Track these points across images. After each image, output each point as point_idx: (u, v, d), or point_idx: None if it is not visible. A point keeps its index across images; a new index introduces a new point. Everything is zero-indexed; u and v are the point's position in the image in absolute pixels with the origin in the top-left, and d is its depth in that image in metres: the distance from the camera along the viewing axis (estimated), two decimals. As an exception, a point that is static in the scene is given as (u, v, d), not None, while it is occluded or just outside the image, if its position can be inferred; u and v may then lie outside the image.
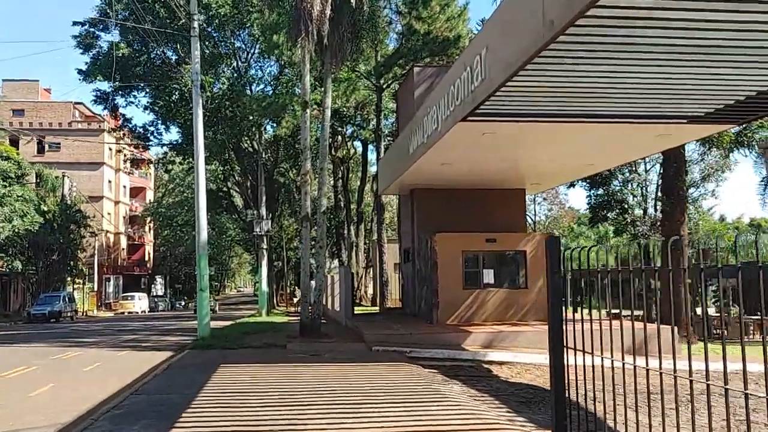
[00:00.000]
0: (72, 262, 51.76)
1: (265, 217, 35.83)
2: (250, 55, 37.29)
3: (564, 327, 4.82)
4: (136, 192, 77.37)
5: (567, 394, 4.75)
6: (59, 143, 59.97)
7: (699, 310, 22.60)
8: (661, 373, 4.33)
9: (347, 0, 17.61)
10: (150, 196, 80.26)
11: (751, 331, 22.93)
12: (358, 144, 45.74)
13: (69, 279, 53.08)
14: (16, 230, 41.19)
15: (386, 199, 39.61)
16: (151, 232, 79.62)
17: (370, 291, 44.11)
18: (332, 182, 46.14)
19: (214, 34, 35.36)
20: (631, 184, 39.56)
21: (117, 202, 69.76)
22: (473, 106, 11.15)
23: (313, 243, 18.89)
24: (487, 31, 10.65)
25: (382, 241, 31.04)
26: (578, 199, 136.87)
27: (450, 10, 26.98)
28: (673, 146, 15.48)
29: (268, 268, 40.31)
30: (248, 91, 34.95)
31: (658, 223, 38.92)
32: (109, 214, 66.01)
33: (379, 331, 16.78)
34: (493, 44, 10.14)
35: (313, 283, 19.09)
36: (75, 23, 35.28)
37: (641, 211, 41.03)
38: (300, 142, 20.51)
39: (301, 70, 18.62)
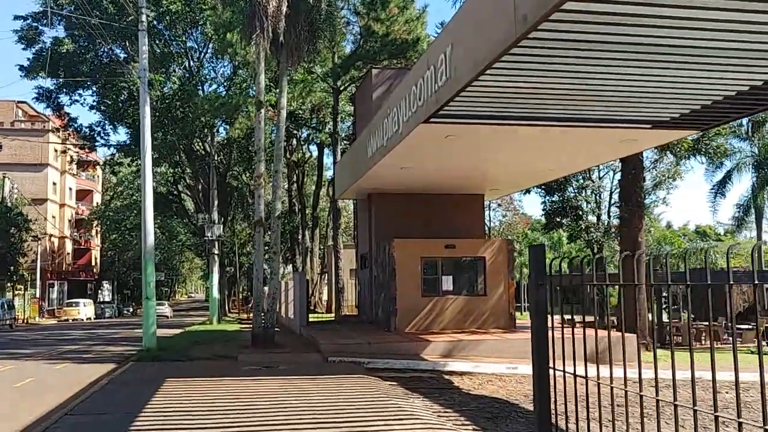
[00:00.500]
0: (12, 268, 49.42)
1: (216, 222, 34.70)
2: (202, 54, 36.17)
3: (550, 349, 4.31)
4: (83, 195, 74.69)
5: (554, 422, 4.24)
6: (0, 143, 57.31)
7: (662, 317, 22.65)
8: (626, 391, 3.92)
9: (305, -3, 17.00)
10: (98, 199, 77.63)
11: (703, 338, 23.14)
12: (313, 148, 45.03)
13: (9, 285, 50.65)
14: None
15: (342, 204, 38.94)
16: (98, 236, 76.97)
17: (325, 298, 43.35)
18: (287, 186, 45.26)
19: (165, 33, 34.14)
20: (586, 191, 39.86)
21: (62, 205, 67.17)
22: (437, 107, 10.67)
23: (266, 248, 18.18)
24: (452, 28, 10.18)
25: (338, 247, 30.41)
26: (532, 205, 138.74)
27: (409, 12, 26.60)
28: (635, 152, 15.35)
29: (220, 273, 39.13)
30: (200, 91, 33.82)
31: (613, 230, 39.41)
32: (53, 217, 63.46)
33: (335, 340, 16.18)
34: (460, 42, 9.69)
35: (266, 289, 18.34)
36: (16, 17, 33.48)
37: (595, 218, 41.42)
38: (254, 143, 19.73)
39: (256, 68, 17.90)
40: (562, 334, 4.78)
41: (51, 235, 62.90)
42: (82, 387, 11.72)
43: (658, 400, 3.69)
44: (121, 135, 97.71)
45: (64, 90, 34.13)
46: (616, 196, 43.10)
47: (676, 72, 9.05)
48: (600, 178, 42.50)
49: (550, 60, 8.63)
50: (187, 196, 46.64)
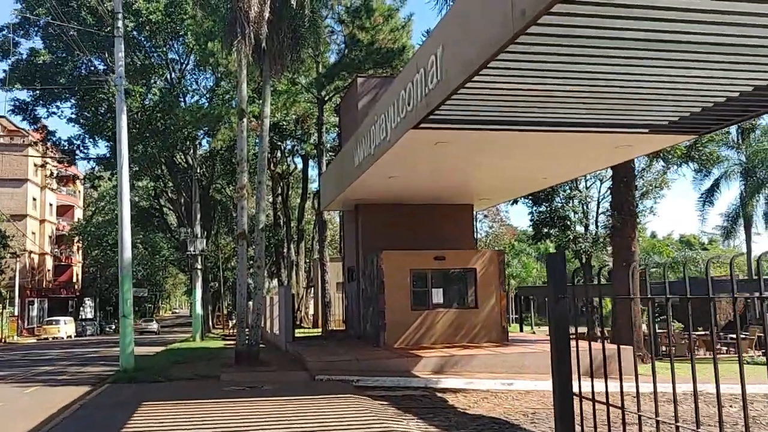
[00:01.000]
0: (-11, 286, 48.23)
1: (199, 236, 33.91)
2: (184, 65, 35.53)
3: (571, 372, 3.75)
4: (63, 210, 73.40)
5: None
6: (-23, 159, 56.22)
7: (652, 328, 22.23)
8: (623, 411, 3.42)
9: (288, 2, 16.49)
10: (79, 214, 76.32)
11: (696, 348, 22.84)
12: (298, 160, 44.46)
13: (-14, 304, 49.43)
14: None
15: (328, 216, 38.38)
16: (80, 252, 75.60)
17: (312, 312, 42.60)
18: (271, 199, 44.62)
19: (146, 44, 33.50)
20: (573, 201, 39.58)
21: (42, 221, 65.90)
22: (427, 111, 10.16)
23: (250, 262, 17.51)
24: (443, 28, 9.69)
25: (324, 260, 29.77)
26: (518, 216, 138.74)
27: (394, 21, 26.22)
28: (630, 158, 14.94)
29: (204, 289, 38.30)
30: (182, 103, 33.14)
31: (601, 240, 39.14)
32: (33, 233, 62.21)
33: (322, 357, 15.55)
34: (451, 41, 9.19)
35: (251, 304, 17.67)
36: (-8, 28, 32.74)
37: (582, 228, 41.14)
38: (237, 155, 19.12)
39: (238, 76, 17.34)
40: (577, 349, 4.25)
41: (31, 252, 61.64)
42: (53, 412, 10.98)
43: (658, 421, 3.19)
44: (101, 148, 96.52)
45: (41, 102, 33.31)
46: (603, 206, 43.02)
47: (678, 71, 8.61)
48: (587, 188, 42.33)
49: (547, 59, 8.16)
50: (169, 210, 45.81)
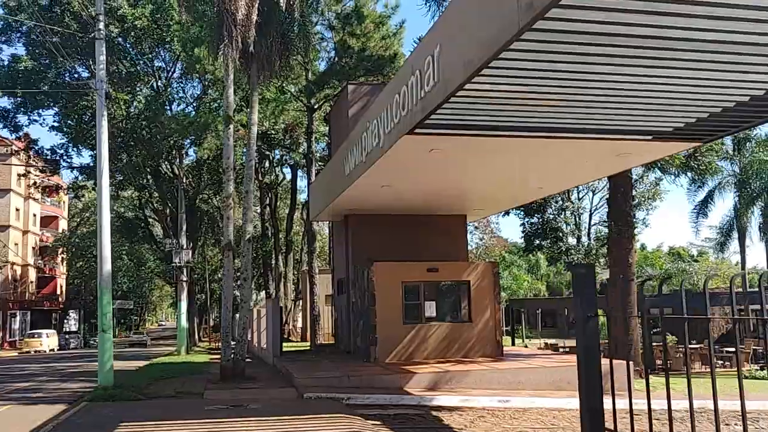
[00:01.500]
0: (-31, 298, 47.11)
1: (185, 247, 33.13)
2: (170, 73, 34.88)
3: (602, 403, 3.20)
4: (48, 221, 72.23)
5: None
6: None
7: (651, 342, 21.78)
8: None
9: (277, 6, 15.98)
10: (64, 225, 75.16)
11: (691, 361, 22.45)
12: (287, 170, 43.85)
13: (-34, 316, 48.25)
14: None
15: (317, 227, 37.75)
16: (64, 263, 74.36)
17: (300, 325, 41.86)
18: (259, 210, 43.94)
19: (132, 51, 32.86)
20: (565, 212, 39.26)
21: (26, 232, 64.75)
22: (423, 115, 9.64)
23: (237, 274, 16.87)
24: (441, 27, 9.19)
25: (313, 272, 29.14)
26: (508, 228, 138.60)
27: (385, 28, 25.78)
28: (630, 167, 14.50)
29: (190, 301, 37.47)
30: (168, 111, 32.47)
31: (594, 252, 38.78)
32: (16, 245, 61.07)
33: (311, 373, 14.93)
34: (450, 41, 8.69)
35: (237, 317, 17.02)
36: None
37: (575, 240, 40.80)
38: (223, 162, 18.52)
39: (224, 81, 16.77)
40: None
41: (13, 263, 60.52)
42: (23, 435, 10.29)
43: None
44: (85, 157, 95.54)
45: (22, 109, 32.51)
46: (596, 218, 42.79)
47: (691, 72, 8.16)
48: (579, 199, 42.08)
49: (552, 58, 7.68)
50: (154, 221, 45.01)
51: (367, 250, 18.48)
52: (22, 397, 16.06)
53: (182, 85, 36.01)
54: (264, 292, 45.20)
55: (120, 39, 30.86)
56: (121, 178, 34.62)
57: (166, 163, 35.54)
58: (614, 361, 6.25)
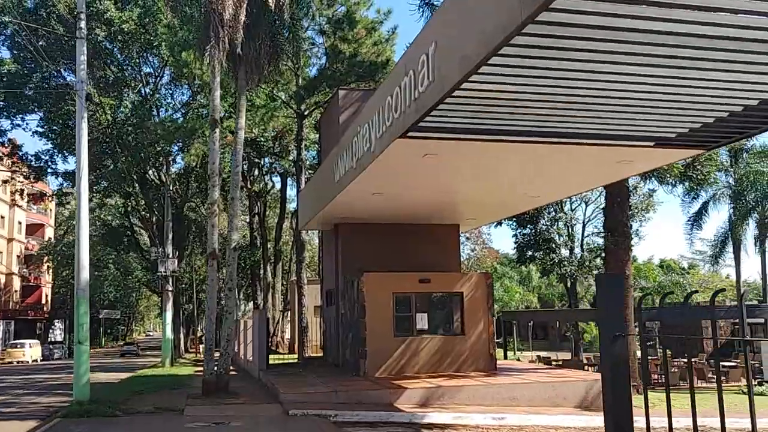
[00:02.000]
0: (-50, 307, 46.06)
1: (171, 256, 32.39)
2: (158, 79, 34.29)
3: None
4: (34, 229, 71.15)
5: None
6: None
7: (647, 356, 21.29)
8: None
9: (266, 7, 15.48)
10: (51, 233, 74.05)
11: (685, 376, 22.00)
12: (276, 178, 43.25)
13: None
14: None
15: (306, 237, 37.12)
16: (50, 272, 73.19)
17: (288, 336, 41.12)
18: (248, 219, 43.27)
19: (119, 56, 32.26)
20: (558, 223, 38.89)
21: (10, 240, 63.71)
22: (417, 117, 9.13)
23: (222, 284, 16.25)
24: (436, 24, 8.70)
25: (301, 282, 28.51)
26: (500, 239, 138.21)
27: (377, 34, 25.32)
28: (629, 176, 14.05)
29: (176, 311, 36.67)
30: (155, 117, 31.84)
31: (587, 263, 38.39)
32: (0, 252, 60.04)
33: (297, 388, 14.31)
34: (446, 37, 8.21)
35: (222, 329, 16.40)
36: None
37: (567, 251, 40.40)
38: (208, 168, 17.94)
39: (211, 83, 16.23)
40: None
41: (-4, 272, 59.52)
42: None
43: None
44: (71, 164, 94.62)
45: (5, 114, 31.76)
46: (589, 229, 42.42)
47: (700, 73, 7.71)
48: (572, 210, 41.70)
49: (554, 55, 7.20)
50: (141, 230, 44.22)
51: (357, 260, 17.93)
52: (-7, 412, 15.34)
53: (170, 91, 35.49)
54: (252, 302, 44.46)
55: (107, 43, 30.25)
56: (107, 184, 33.92)
57: (152, 169, 34.87)
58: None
